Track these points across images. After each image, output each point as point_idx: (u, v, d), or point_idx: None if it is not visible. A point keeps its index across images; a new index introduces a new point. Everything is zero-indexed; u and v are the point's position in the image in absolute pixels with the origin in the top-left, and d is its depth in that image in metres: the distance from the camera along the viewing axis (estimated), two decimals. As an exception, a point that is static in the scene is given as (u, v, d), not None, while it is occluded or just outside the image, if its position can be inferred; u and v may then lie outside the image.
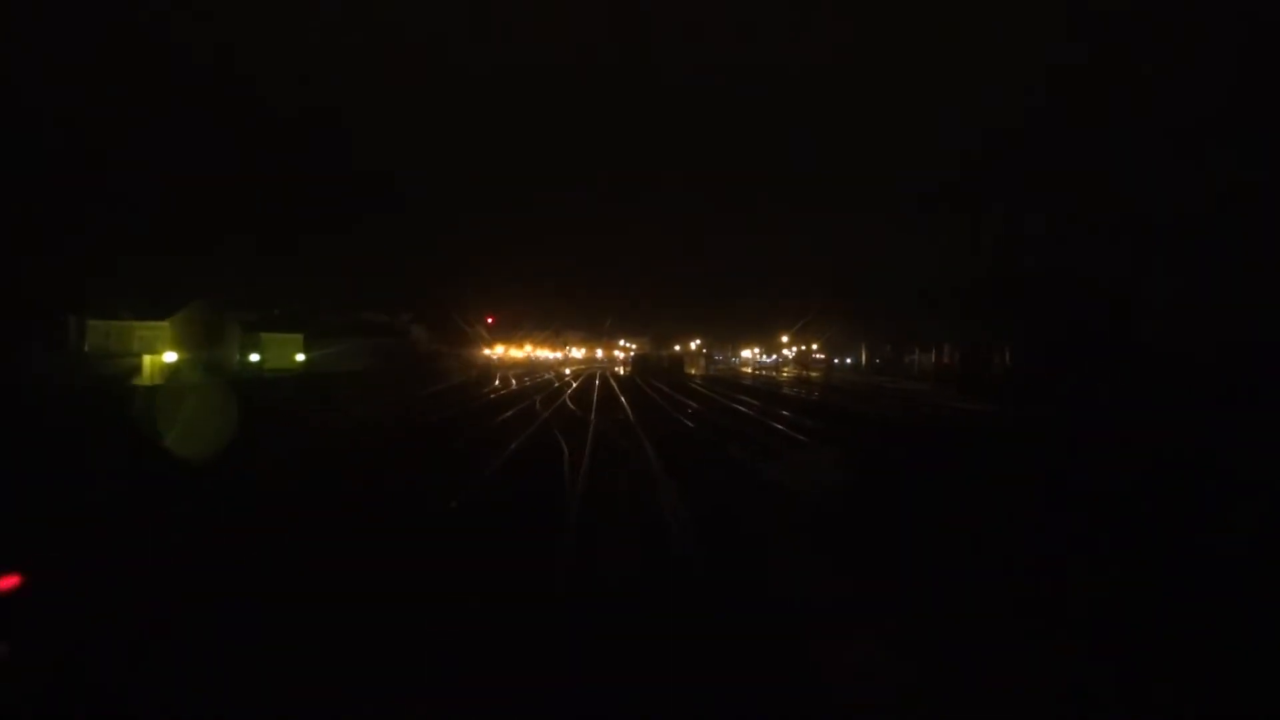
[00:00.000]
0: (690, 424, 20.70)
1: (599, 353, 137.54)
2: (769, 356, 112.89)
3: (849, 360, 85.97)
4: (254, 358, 35.60)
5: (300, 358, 39.71)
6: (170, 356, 28.90)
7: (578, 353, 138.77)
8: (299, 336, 40.80)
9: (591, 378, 56.22)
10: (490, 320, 53.18)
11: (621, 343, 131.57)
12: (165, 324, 31.35)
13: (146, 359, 30.14)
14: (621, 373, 75.87)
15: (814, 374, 73.10)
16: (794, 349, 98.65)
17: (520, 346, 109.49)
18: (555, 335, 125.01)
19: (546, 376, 56.64)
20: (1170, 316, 39.68)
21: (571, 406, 25.59)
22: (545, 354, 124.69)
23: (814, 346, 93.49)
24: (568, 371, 76.19)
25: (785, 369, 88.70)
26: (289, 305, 46.96)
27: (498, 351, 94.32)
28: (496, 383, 44.79)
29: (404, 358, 53.72)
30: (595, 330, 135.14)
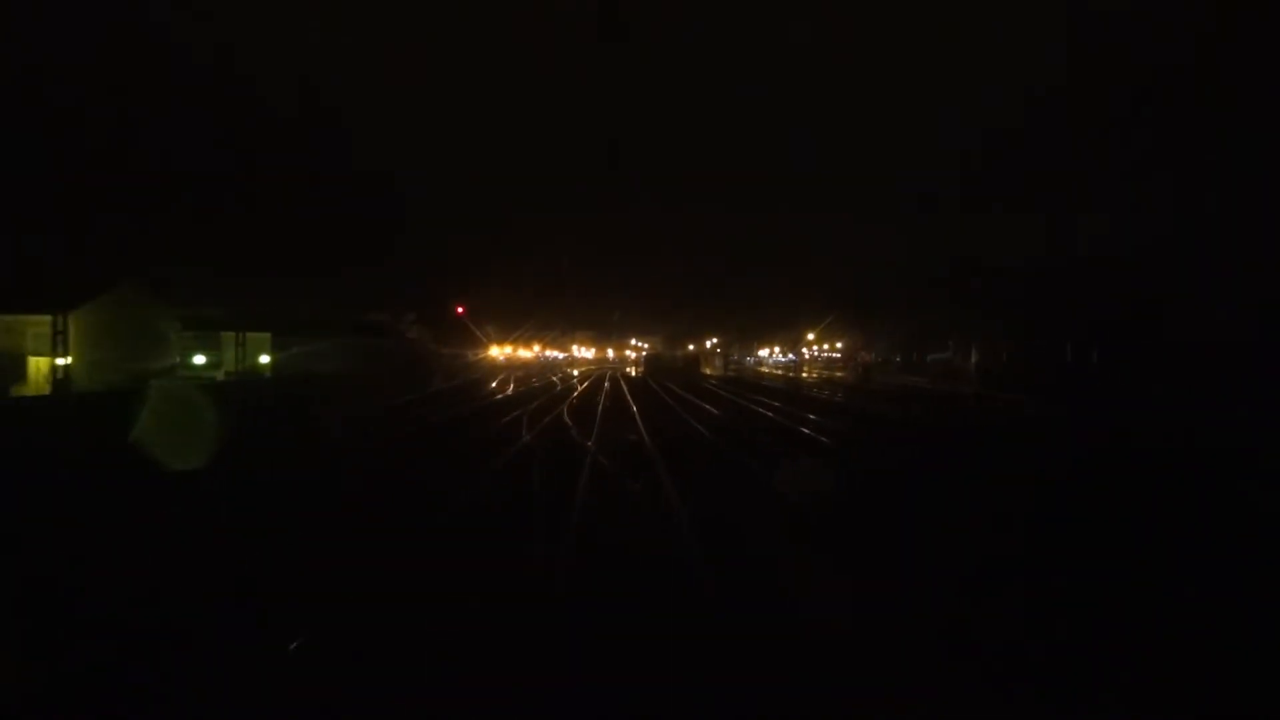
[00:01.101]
0: (741, 457, 15.43)
1: (610, 353, 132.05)
2: (786, 356, 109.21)
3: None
4: (199, 359, 30.47)
5: (265, 359, 34.70)
6: (64, 358, 23.67)
7: (587, 352, 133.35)
8: (265, 335, 35.75)
9: (600, 380, 51.08)
10: (460, 310, 47.89)
11: (633, 342, 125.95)
12: (65, 319, 25.96)
13: (31, 362, 25.00)
14: (633, 374, 70.78)
15: (839, 374, 68.23)
16: (817, 348, 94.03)
17: (528, 347, 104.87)
18: (562, 335, 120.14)
19: (551, 379, 51.52)
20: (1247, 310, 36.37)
21: (568, 422, 20.32)
22: (555, 354, 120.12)
23: (838, 345, 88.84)
24: (575, 373, 71.14)
25: (805, 369, 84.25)
26: (263, 299, 41.77)
27: (505, 351, 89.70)
28: (492, 386, 39.75)
29: (398, 359, 48.95)
30: (605, 330, 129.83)
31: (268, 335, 36.23)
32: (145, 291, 28.06)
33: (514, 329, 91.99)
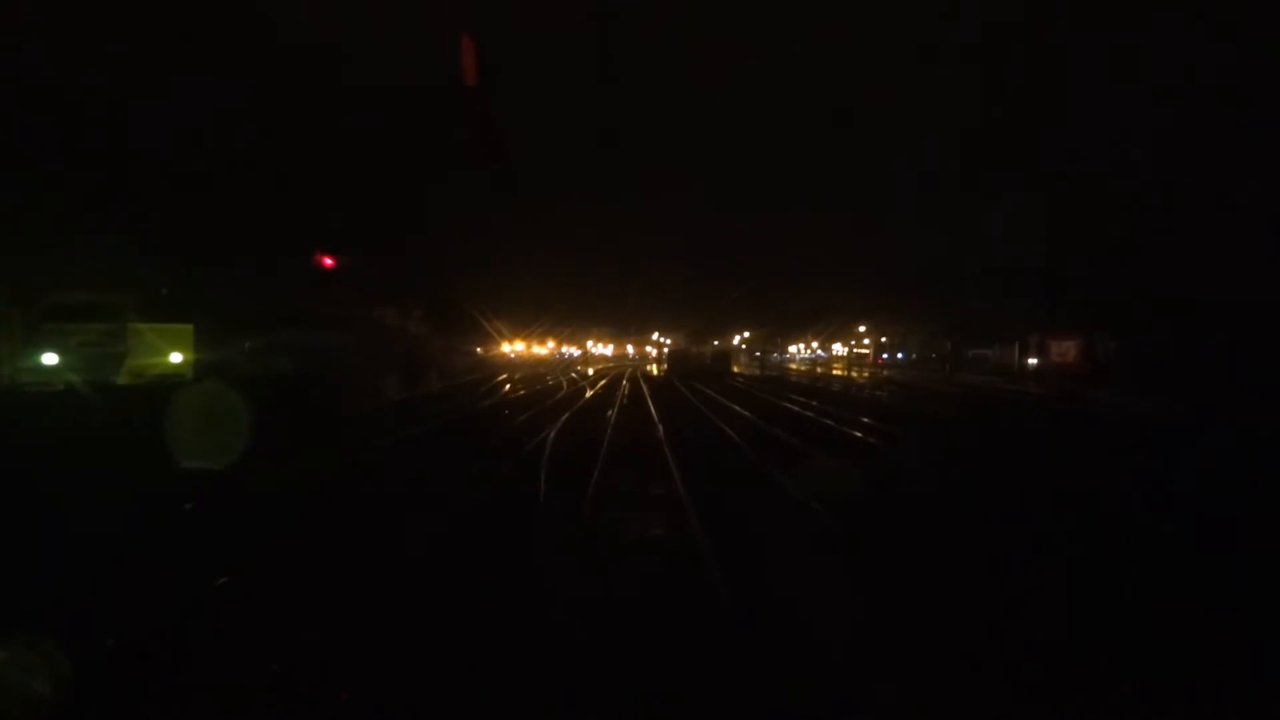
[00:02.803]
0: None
1: (629, 349, 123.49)
2: (815, 353, 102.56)
3: (900, 355, 77.69)
4: (49, 359, 22.49)
5: (177, 358, 26.78)
6: None
7: (605, 349, 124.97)
8: (187, 328, 27.83)
9: (617, 380, 42.91)
10: (328, 263, 39.61)
11: (655, 337, 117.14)
12: None
13: None
14: (655, 372, 62.54)
15: (887, 373, 60.39)
16: (850, 345, 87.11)
17: (542, 343, 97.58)
18: (578, 331, 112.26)
19: (559, 380, 43.44)
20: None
21: (544, 486, 11.90)
22: (572, 351, 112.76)
23: (883, 339, 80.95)
24: (590, 372, 63.04)
25: (837, 366, 76.34)
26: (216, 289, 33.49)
27: (517, 349, 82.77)
28: (478, 395, 31.80)
29: (386, 355, 41.13)
30: (623, 324, 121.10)
31: (189, 328, 28.31)
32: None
33: (529, 325, 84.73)
